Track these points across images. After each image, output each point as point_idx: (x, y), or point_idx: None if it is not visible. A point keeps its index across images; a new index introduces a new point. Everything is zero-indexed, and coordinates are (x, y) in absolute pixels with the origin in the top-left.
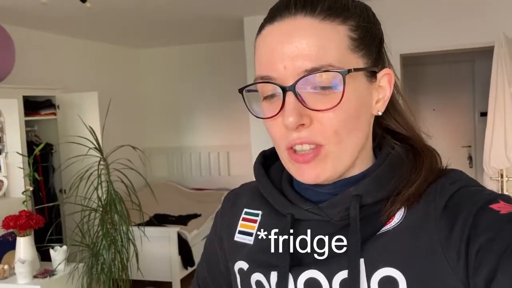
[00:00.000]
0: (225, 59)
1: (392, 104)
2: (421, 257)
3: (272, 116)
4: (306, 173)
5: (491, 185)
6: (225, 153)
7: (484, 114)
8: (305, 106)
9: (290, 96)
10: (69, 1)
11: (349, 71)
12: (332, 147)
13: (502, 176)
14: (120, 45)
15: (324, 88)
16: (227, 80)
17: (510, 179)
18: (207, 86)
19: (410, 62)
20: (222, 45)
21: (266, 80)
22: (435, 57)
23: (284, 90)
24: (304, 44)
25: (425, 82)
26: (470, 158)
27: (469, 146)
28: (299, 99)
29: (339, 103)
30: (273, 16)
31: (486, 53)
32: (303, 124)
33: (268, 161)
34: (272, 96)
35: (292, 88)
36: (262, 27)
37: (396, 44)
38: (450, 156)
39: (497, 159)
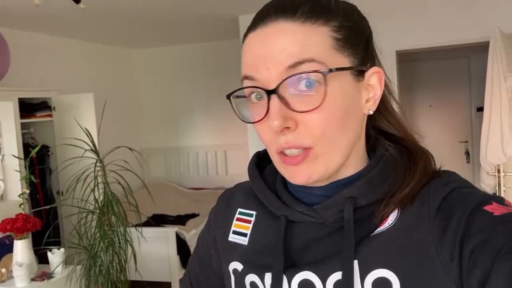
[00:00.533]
0: (221, 58)
1: (383, 105)
2: (415, 258)
3: (259, 120)
4: (297, 175)
5: (488, 180)
6: (222, 152)
7: (480, 109)
8: (289, 108)
9: (274, 99)
10: (63, 2)
11: (330, 70)
12: (321, 148)
13: (499, 171)
14: (115, 45)
15: (307, 89)
16: (223, 79)
17: (507, 174)
18: (203, 85)
19: (406, 58)
20: (218, 44)
21: (251, 80)
22: (431, 53)
23: (268, 93)
24: (286, 44)
25: (421, 78)
26: (467, 153)
27: (466, 142)
28: (283, 101)
29: (321, 103)
30: (255, 23)
31: (481, 48)
32: (288, 128)
33: (263, 162)
34: (259, 98)
35: (276, 91)
36: (245, 35)
37: (392, 41)
38: (447, 152)
39: (494, 154)
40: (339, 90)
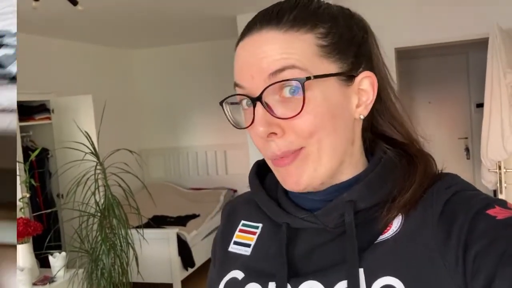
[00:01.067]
0: (219, 58)
1: (386, 109)
2: (420, 265)
3: (248, 127)
4: (288, 179)
5: (489, 177)
6: (222, 152)
7: (480, 105)
8: (273, 115)
9: (258, 106)
10: (60, 4)
11: (307, 78)
12: (311, 148)
13: (500, 167)
14: (112, 46)
15: (291, 96)
16: (221, 78)
17: (508, 170)
18: (201, 85)
19: (404, 55)
20: (216, 43)
21: (240, 87)
22: (429, 50)
23: (253, 100)
24: (268, 52)
25: (419, 75)
26: (467, 149)
27: (466, 138)
28: (267, 108)
29: (301, 111)
30: (243, 33)
31: (480, 44)
32: (275, 133)
33: (263, 170)
34: (249, 104)
35: (259, 98)
36: (236, 44)
37: (391, 38)
38: (447, 148)
39: (495, 150)
40: (321, 96)
